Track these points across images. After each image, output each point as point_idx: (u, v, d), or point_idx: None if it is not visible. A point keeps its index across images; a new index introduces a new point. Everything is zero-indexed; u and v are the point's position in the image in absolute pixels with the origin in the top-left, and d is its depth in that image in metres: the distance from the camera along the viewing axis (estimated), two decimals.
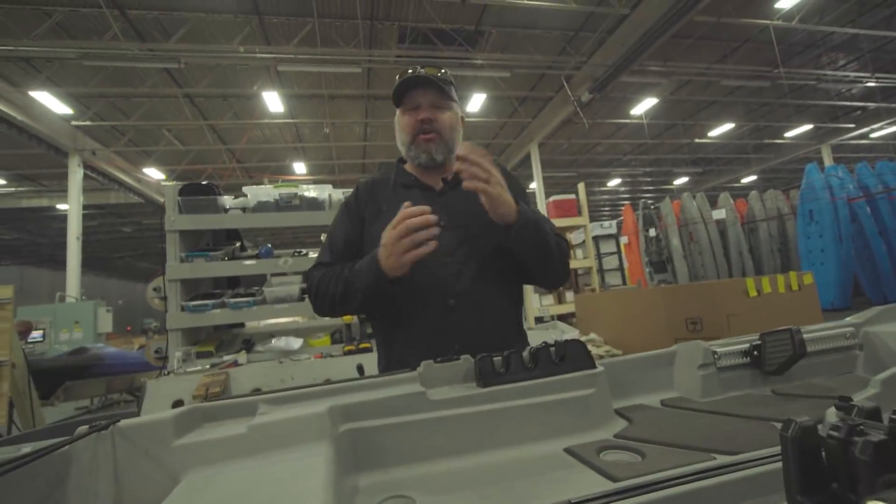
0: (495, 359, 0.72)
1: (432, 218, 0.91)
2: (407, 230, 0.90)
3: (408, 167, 1.22)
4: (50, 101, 8.42)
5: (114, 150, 11.10)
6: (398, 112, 1.19)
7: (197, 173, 12.86)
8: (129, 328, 18.43)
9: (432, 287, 1.04)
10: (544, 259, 1.06)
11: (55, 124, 9.25)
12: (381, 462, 0.59)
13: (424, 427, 0.63)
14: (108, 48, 6.96)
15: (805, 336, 0.84)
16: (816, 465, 0.23)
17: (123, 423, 0.52)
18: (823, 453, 0.23)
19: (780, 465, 0.45)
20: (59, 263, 16.62)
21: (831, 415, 0.56)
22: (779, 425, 0.66)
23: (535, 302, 6.09)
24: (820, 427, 0.24)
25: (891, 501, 0.17)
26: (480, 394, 0.67)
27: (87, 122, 9.59)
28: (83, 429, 0.53)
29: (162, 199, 13.74)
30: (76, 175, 10.09)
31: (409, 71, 1.15)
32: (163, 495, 0.45)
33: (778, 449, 0.50)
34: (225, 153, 12.25)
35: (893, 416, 0.24)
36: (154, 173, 12.74)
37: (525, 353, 0.73)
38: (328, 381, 0.68)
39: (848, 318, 0.99)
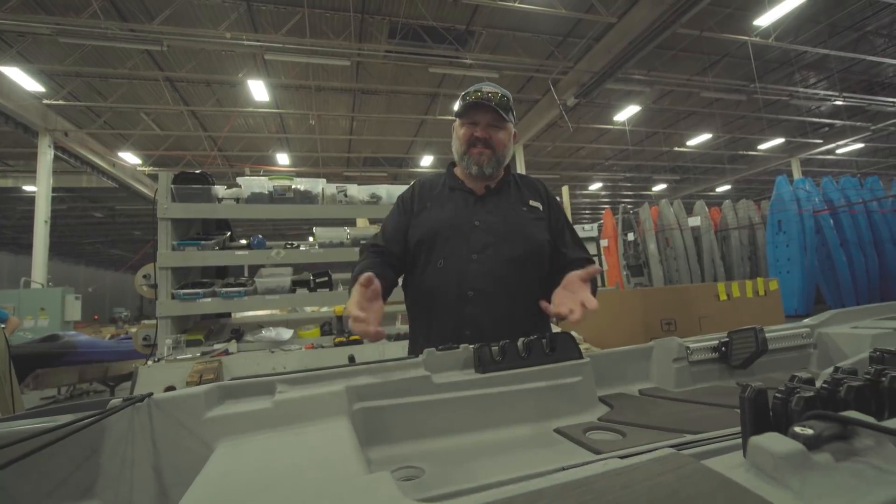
0: (493, 348, 0.78)
1: (368, 329, 0.92)
2: (353, 324, 0.93)
3: (457, 172, 1.34)
4: (20, 78, 8.04)
5: (88, 131, 10.68)
6: (457, 123, 1.29)
7: (175, 160, 12.50)
8: (96, 317, 17.80)
9: (457, 278, 1.17)
10: None
11: (25, 102, 8.83)
12: (390, 437, 0.65)
13: (429, 407, 0.69)
14: (86, 26, 6.70)
15: (767, 335, 0.93)
16: (765, 417, 0.30)
17: (157, 396, 0.56)
18: (771, 411, 0.31)
19: (737, 441, 0.53)
20: (23, 247, 15.92)
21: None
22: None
23: None
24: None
25: (808, 425, 0.25)
26: (479, 379, 0.74)
27: (60, 102, 9.20)
28: (116, 402, 0.57)
29: (137, 185, 13.24)
30: (46, 156, 9.66)
31: (473, 90, 1.26)
32: (198, 461, 0.50)
33: (736, 429, 0.58)
34: (206, 140, 11.95)
35: (824, 384, 0.31)
36: (130, 157, 12.30)
37: (519, 344, 0.80)
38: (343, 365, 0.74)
39: (805, 320, 1.10)
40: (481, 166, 1.24)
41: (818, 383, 0.33)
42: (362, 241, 2.45)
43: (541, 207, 1.31)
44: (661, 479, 0.25)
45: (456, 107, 1.27)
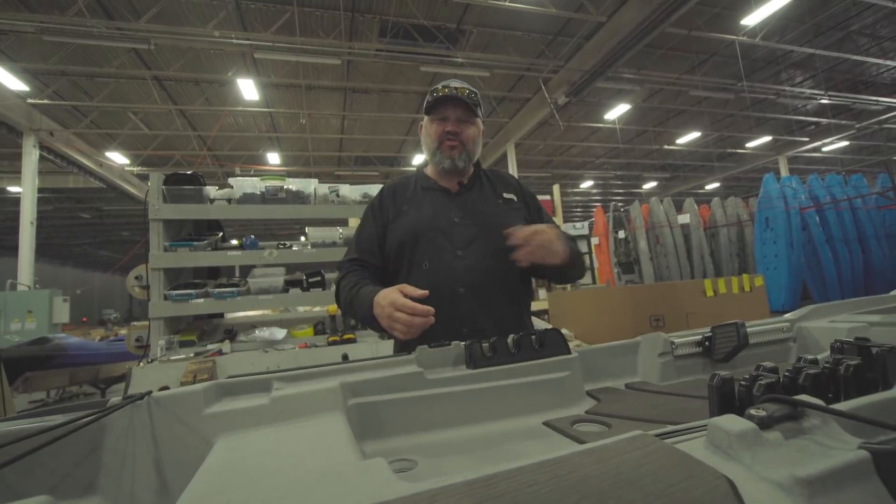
0: (483, 344, 0.80)
1: (430, 321, 1.00)
2: (409, 317, 0.98)
3: (428, 171, 1.34)
4: (4, 77, 7.89)
5: (74, 131, 10.52)
6: (426, 120, 1.29)
7: (164, 159, 12.36)
8: (84, 319, 17.57)
9: (446, 276, 1.17)
10: (574, 275, 1.26)
11: (9, 101, 8.67)
12: (384, 432, 0.67)
13: (422, 402, 0.71)
14: (71, 24, 6.60)
15: (749, 330, 0.96)
16: (730, 401, 0.33)
17: (157, 394, 0.58)
18: (736, 396, 0.33)
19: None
20: (9, 249, 15.61)
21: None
22: None
23: None
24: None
25: (763, 408, 0.28)
26: (470, 374, 0.76)
27: (45, 101, 9.05)
28: (116, 400, 0.58)
29: (125, 185, 13.06)
30: (31, 156, 9.51)
31: (441, 86, 1.27)
32: (198, 456, 0.52)
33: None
34: (195, 140, 11.83)
35: (786, 373, 0.34)
36: (117, 157, 12.14)
37: (509, 340, 0.82)
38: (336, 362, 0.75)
39: (785, 315, 1.14)
40: (454, 160, 1.25)
41: (782, 372, 0.36)
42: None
43: (515, 198, 1.33)
44: (628, 456, 0.28)
45: (425, 104, 1.27)
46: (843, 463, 0.25)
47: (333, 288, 1.32)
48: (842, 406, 0.31)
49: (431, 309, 0.98)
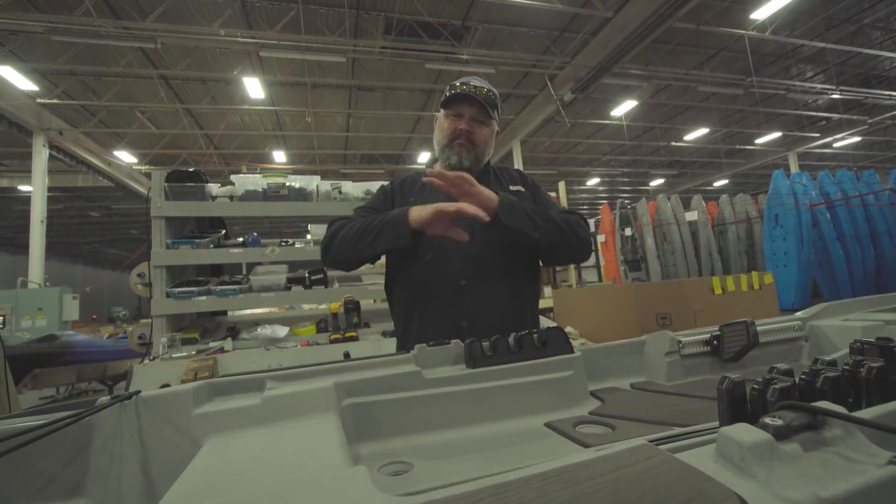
0: (483, 343, 0.78)
1: (482, 215, 1.02)
2: (454, 213, 1.01)
3: (437, 167, 1.32)
4: (13, 77, 7.99)
5: (82, 130, 10.62)
6: (441, 113, 1.28)
7: (171, 158, 12.44)
8: (94, 316, 17.81)
9: (447, 269, 1.17)
10: (551, 234, 1.13)
11: (18, 101, 8.78)
12: (380, 433, 0.65)
13: (419, 403, 0.69)
14: (79, 24, 6.65)
15: (759, 328, 0.93)
16: (742, 407, 0.30)
17: (145, 393, 0.56)
18: (748, 401, 0.31)
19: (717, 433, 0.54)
20: (19, 248, 15.85)
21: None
22: None
23: None
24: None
25: (779, 416, 0.25)
26: (470, 374, 0.74)
27: (54, 101, 9.15)
28: (104, 399, 0.57)
29: (133, 184, 13.18)
30: (41, 155, 9.62)
31: (460, 82, 1.25)
32: (186, 458, 0.50)
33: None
34: (202, 138, 11.90)
35: (802, 376, 0.31)
36: (125, 156, 12.26)
37: (510, 339, 0.80)
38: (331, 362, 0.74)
39: (797, 314, 1.10)
40: (461, 157, 1.25)
41: (797, 375, 0.33)
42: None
43: (523, 189, 1.33)
44: (628, 470, 0.25)
45: (442, 97, 1.27)
46: (873, 480, 0.22)
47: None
48: (865, 413, 0.28)
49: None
